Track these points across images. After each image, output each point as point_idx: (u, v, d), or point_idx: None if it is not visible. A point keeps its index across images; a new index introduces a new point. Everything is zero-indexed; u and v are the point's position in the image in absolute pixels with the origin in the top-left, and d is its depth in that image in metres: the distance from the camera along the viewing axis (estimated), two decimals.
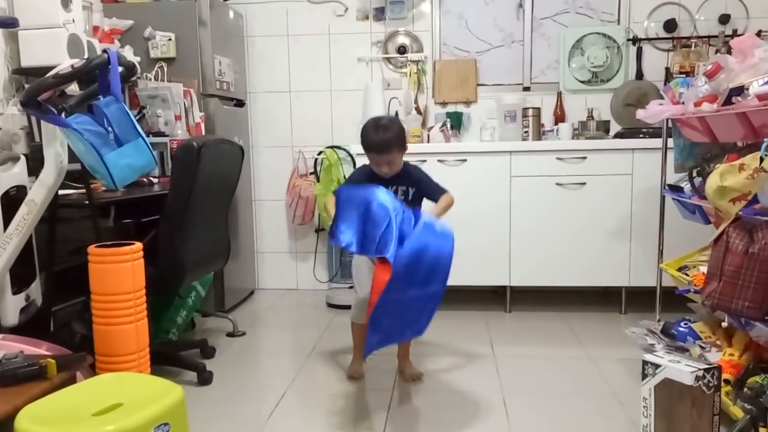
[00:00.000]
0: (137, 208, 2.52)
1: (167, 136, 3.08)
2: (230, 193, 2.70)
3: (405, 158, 2.38)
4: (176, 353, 2.63)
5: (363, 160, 3.36)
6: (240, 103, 3.78)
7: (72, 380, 1.61)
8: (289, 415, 2.21)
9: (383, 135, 2.27)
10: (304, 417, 2.19)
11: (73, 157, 1.92)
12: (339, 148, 3.78)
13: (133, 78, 2.75)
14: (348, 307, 3.54)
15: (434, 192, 2.36)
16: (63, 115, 1.82)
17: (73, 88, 2.42)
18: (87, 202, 2.12)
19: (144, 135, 1.78)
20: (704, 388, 1.58)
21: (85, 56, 2.53)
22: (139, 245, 1.89)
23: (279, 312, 3.58)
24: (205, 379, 2.47)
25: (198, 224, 2.40)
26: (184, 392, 1.49)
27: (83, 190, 2.21)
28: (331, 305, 3.64)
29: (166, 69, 3.23)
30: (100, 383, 1.53)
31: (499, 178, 3.30)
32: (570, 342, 2.93)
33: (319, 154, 3.81)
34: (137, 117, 3.10)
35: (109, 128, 1.72)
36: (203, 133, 3.22)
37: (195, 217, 2.36)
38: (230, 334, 3.11)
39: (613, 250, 3.28)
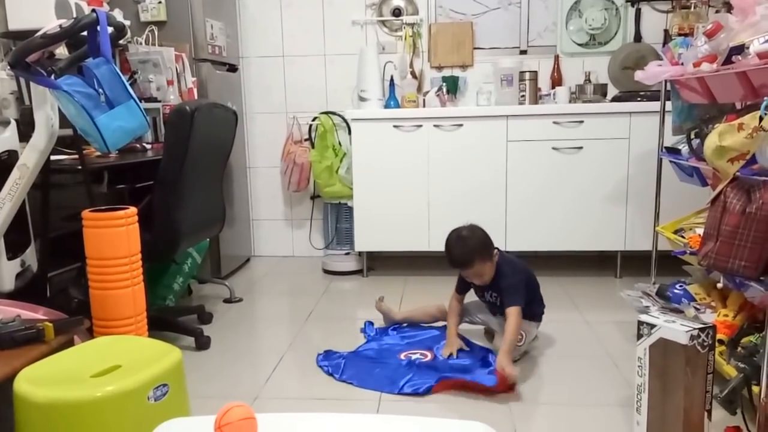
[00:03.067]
0: (131, 174, 2.50)
1: (160, 101, 3.03)
2: (224, 159, 2.68)
3: None
4: (173, 319, 2.64)
5: (358, 126, 3.35)
6: (233, 68, 3.72)
7: (70, 343, 1.61)
8: (287, 378, 2.22)
9: (462, 252, 2.28)
10: (301, 380, 2.21)
11: (65, 122, 1.89)
12: (334, 113, 3.74)
13: (123, 40, 2.70)
14: (344, 273, 3.58)
15: (507, 302, 2.26)
16: (52, 77, 1.78)
17: (62, 52, 2.37)
18: (80, 167, 2.10)
19: (136, 97, 1.75)
20: (699, 347, 1.59)
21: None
22: (133, 209, 1.87)
23: (275, 278, 3.59)
24: (202, 343, 2.48)
25: (193, 189, 2.38)
26: (182, 354, 1.49)
27: (76, 156, 2.18)
28: (327, 271, 3.65)
29: (156, 33, 3.17)
30: (98, 346, 1.53)
31: (495, 143, 3.28)
32: (565, 306, 2.96)
33: (313, 120, 3.77)
34: (129, 82, 3.05)
35: (100, 90, 1.68)
36: (196, 98, 3.17)
37: (189, 183, 2.34)
38: (227, 301, 3.12)
39: (610, 214, 3.28)
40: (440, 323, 2.62)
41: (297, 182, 3.79)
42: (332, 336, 2.61)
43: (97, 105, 1.67)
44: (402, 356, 2.34)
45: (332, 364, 2.27)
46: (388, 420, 0.92)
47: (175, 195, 2.29)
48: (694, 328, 1.59)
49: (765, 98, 1.63)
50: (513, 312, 2.21)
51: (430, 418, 0.92)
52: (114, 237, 1.82)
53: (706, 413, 1.62)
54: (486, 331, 2.58)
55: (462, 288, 2.47)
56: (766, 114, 1.59)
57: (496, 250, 2.34)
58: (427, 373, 2.15)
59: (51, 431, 1.26)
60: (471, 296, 2.52)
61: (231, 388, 2.15)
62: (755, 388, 1.68)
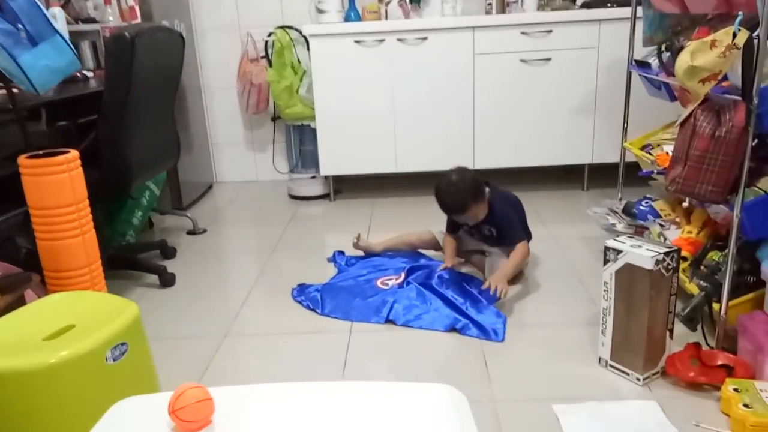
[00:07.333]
0: (74, 107, 2.34)
1: (98, 22, 2.81)
2: (173, 86, 2.51)
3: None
4: (135, 256, 2.57)
5: (316, 43, 3.16)
6: None
7: (21, 302, 1.54)
8: (256, 312, 2.20)
9: (455, 199, 2.25)
10: (272, 311, 2.19)
11: None
12: (291, 28, 3.51)
13: None
14: (311, 198, 3.51)
15: (511, 238, 2.29)
16: None
17: None
18: (11, 106, 1.93)
19: (61, 32, 1.58)
20: (663, 271, 1.59)
21: None
22: (75, 153, 1.75)
23: (240, 206, 3.51)
24: (167, 281, 2.43)
25: (141, 122, 2.24)
26: (139, 309, 1.43)
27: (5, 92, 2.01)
28: (293, 196, 3.57)
29: None
30: (48, 305, 1.46)
31: (461, 57, 3.14)
32: (532, 220, 2.93)
33: (269, 35, 3.55)
34: (61, 2, 2.79)
35: (20, 25, 1.51)
36: (138, 18, 2.93)
37: (136, 115, 2.19)
38: (190, 232, 3.04)
39: (577, 127, 3.23)
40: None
41: (255, 104, 3.63)
42: (302, 265, 2.58)
43: (18, 42, 1.50)
44: (378, 283, 2.33)
45: (309, 298, 2.23)
46: (347, 387, 0.90)
47: (121, 129, 2.15)
48: (659, 253, 1.58)
49: (739, 13, 1.54)
50: (521, 246, 2.26)
51: (392, 382, 0.89)
52: (56, 184, 1.70)
53: (668, 332, 1.65)
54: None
55: (453, 228, 2.45)
56: (739, 30, 1.51)
57: (486, 188, 2.32)
58: (416, 298, 2.17)
59: (3, 403, 1.21)
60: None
61: (199, 326, 2.11)
62: (716, 306, 1.72)
